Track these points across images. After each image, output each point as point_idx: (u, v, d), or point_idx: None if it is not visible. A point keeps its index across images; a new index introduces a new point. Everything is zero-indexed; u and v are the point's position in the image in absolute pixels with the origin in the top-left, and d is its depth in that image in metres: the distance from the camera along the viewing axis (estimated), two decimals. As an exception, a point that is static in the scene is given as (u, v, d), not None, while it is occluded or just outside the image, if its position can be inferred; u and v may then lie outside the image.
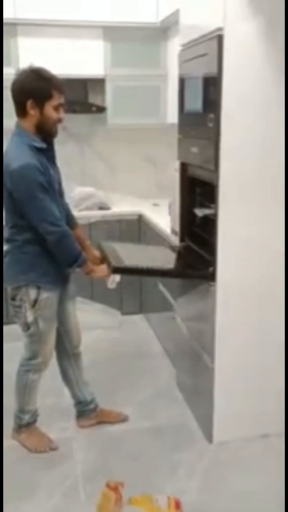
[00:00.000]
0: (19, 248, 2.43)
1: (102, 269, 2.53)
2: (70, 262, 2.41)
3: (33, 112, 2.31)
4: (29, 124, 2.34)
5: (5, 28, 3.82)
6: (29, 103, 2.29)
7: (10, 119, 2.48)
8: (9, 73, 3.85)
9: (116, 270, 2.53)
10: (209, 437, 2.68)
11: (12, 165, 2.25)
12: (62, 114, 2.38)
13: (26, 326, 2.50)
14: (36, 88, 2.29)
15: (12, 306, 2.53)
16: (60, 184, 2.53)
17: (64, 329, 2.67)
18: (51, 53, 3.89)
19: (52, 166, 2.42)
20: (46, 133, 2.38)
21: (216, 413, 2.63)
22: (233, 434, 2.66)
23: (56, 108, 2.34)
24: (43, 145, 2.36)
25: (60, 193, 2.53)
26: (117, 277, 2.60)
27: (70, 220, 2.63)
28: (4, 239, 2.48)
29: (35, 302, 2.45)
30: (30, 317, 2.47)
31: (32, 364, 2.58)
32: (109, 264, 2.54)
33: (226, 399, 2.62)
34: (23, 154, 2.28)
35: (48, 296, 2.48)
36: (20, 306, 2.48)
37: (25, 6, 3.80)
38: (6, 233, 2.47)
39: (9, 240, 2.46)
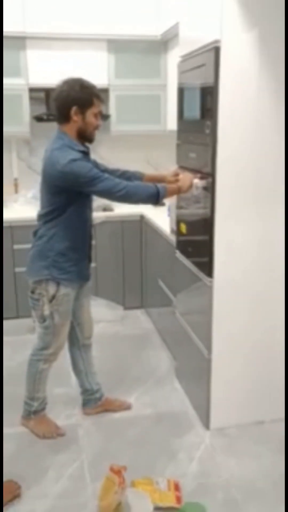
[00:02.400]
0: (46, 244, 2.44)
1: (185, 178, 2.53)
2: (154, 198, 2.42)
3: (76, 118, 2.36)
4: (71, 129, 2.39)
5: (14, 41, 3.82)
6: (73, 110, 2.34)
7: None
8: (19, 83, 3.92)
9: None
10: (206, 423, 2.67)
11: (61, 162, 2.28)
12: (100, 121, 2.44)
13: (42, 319, 2.50)
14: (80, 96, 2.35)
15: (30, 299, 2.53)
16: None
17: (78, 322, 2.68)
18: (58, 64, 3.89)
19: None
20: (86, 138, 2.44)
21: (213, 401, 2.63)
22: (229, 421, 2.66)
23: (96, 115, 2.40)
24: (84, 148, 2.41)
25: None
26: (199, 183, 2.53)
27: (132, 176, 2.70)
28: (35, 234, 2.51)
29: (53, 297, 2.45)
30: (47, 311, 2.47)
31: (43, 354, 2.58)
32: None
33: (222, 387, 2.62)
34: (69, 151, 2.32)
35: (66, 293, 2.48)
36: (38, 300, 2.48)
37: (33, 20, 3.80)
38: (37, 228, 2.50)
39: (39, 236, 2.48)
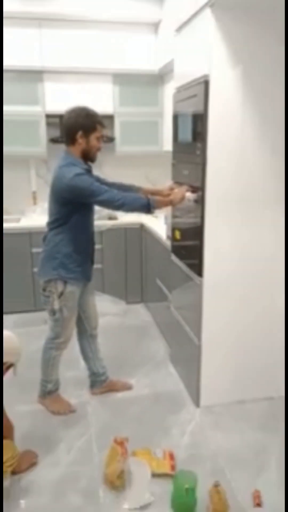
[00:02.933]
0: (53, 248, 2.44)
1: (178, 192, 2.52)
2: (145, 208, 2.41)
3: (81, 141, 2.37)
4: (76, 150, 2.39)
5: (33, 74, 3.84)
6: (79, 134, 2.35)
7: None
8: (38, 110, 3.93)
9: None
10: (196, 402, 2.67)
11: (67, 176, 2.30)
12: (101, 144, 2.44)
13: (53, 312, 2.50)
14: (85, 122, 2.36)
15: (42, 296, 2.52)
16: None
17: (85, 315, 2.67)
18: (70, 94, 3.89)
19: None
20: (89, 158, 2.45)
21: (203, 382, 2.63)
22: (216, 400, 2.66)
23: (98, 139, 2.41)
24: (87, 166, 2.42)
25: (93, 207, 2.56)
26: (191, 196, 2.51)
27: (128, 189, 2.67)
28: (44, 239, 2.50)
29: (61, 294, 2.45)
30: (56, 306, 2.47)
31: (55, 342, 2.58)
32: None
33: (210, 371, 2.62)
34: (74, 168, 2.33)
35: (72, 290, 2.48)
36: (49, 296, 2.48)
37: (49, 57, 3.81)
38: (46, 234, 2.49)
39: (47, 241, 2.48)
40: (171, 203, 2.53)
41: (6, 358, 1.94)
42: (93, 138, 2.38)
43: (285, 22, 2.21)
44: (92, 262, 2.61)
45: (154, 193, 2.70)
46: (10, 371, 2.00)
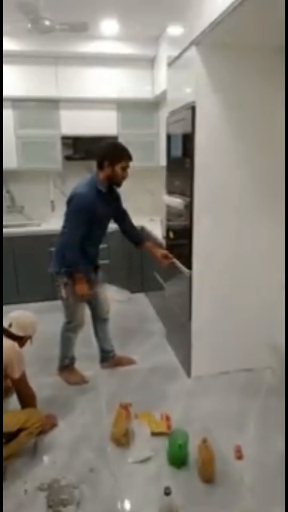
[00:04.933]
0: (59, 245, 2.43)
1: (82, 287, 2.37)
2: (68, 262, 2.34)
3: (107, 169, 2.32)
4: (103, 175, 2.34)
5: (51, 103, 3.83)
6: (106, 163, 2.30)
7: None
8: (55, 133, 3.92)
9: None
10: (188, 373, 2.68)
11: (76, 191, 2.29)
12: (126, 173, 2.37)
13: (62, 300, 2.49)
14: (113, 154, 2.31)
15: (56, 286, 2.49)
16: (107, 216, 2.48)
17: (96, 303, 2.64)
18: (81, 119, 3.89)
19: (105, 203, 2.38)
20: (112, 183, 2.39)
21: (193, 357, 2.63)
22: (205, 371, 2.66)
23: (123, 169, 2.34)
24: (103, 189, 2.36)
25: (106, 219, 2.49)
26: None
27: (139, 239, 2.65)
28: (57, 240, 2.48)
29: (66, 284, 2.42)
30: (63, 293, 2.44)
31: (68, 326, 2.57)
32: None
33: (199, 348, 2.62)
34: (86, 188, 2.30)
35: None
36: (58, 286, 2.46)
37: (64, 88, 3.80)
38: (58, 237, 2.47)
39: (57, 242, 2.46)
40: (76, 284, 2.36)
41: (25, 332, 2.00)
42: (118, 168, 2.31)
43: (285, 27, 2.09)
44: (95, 266, 2.56)
45: (151, 252, 2.67)
46: (28, 342, 2.05)
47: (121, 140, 4.11)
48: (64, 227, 2.36)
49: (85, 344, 2.95)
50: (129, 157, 2.36)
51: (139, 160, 4.27)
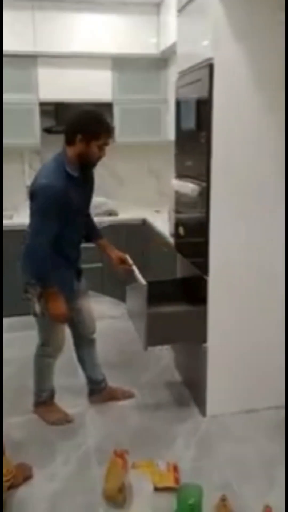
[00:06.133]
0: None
1: (56, 305, 2.35)
2: (39, 276, 2.32)
3: (80, 145, 2.28)
4: (73, 153, 2.31)
5: (26, 59, 3.86)
6: (78, 137, 2.26)
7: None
8: (30, 98, 3.95)
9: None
10: (202, 411, 2.68)
11: (40, 181, 2.26)
12: (103, 152, 2.34)
13: (35, 316, 2.47)
14: (88, 127, 2.27)
15: (26, 299, 2.46)
16: (86, 205, 2.50)
17: (78, 320, 2.64)
18: (66, 80, 3.92)
19: (79, 191, 2.38)
20: (85, 164, 2.36)
21: (209, 389, 2.63)
22: (224, 408, 2.66)
23: (100, 147, 2.32)
24: (74, 173, 2.33)
25: (83, 212, 2.50)
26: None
27: (92, 232, 2.65)
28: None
29: (40, 297, 2.38)
30: (37, 309, 2.42)
31: (44, 350, 2.58)
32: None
33: (218, 377, 2.62)
34: (52, 175, 2.27)
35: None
36: (30, 299, 2.43)
37: (44, 40, 3.83)
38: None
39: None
40: (49, 302, 2.34)
41: None
42: (93, 146, 2.28)
43: (285, 21, 2.23)
44: (78, 272, 2.57)
45: (106, 253, 2.68)
46: None
47: (118, 108, 4.14)
48: (30, 228, 2.32)
49: (68, 372, 2.96)
50: (109, 133, 2.35)
51: (141, 133, 4.36)
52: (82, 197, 2.44)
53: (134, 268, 2.62)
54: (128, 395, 2.86)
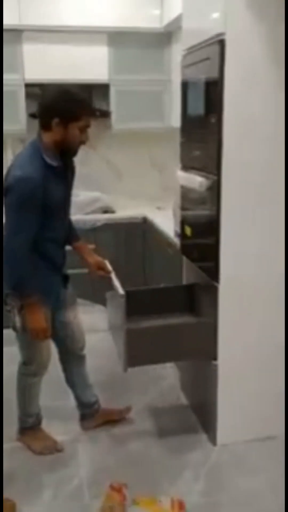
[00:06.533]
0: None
1: (36, 318, 2.32)
2: (13, 282, 2.30)
3: (57, 130, 2.25)
4: (50, 139, 2.29)
5: (10, 34, 3.84)
6: (54, 121, 2.23)
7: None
8: (15, 78, 3.94)
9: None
10: (212, 438, 2.67)
11: (15, 172, 2.22)
12: (86, 136, 2.33)
13: (16, 331, 2.44)
14: (65, 109, 2.24)
15: (6, 311, 2.43)
16: (66, 199, 2.48)
17: (65, 334, 2.63)
18: (55, 58, 3.92)
19: (60, 182, 2.36)
20: (65, 151, 2.34)
21: (220, 414, 2.62)
22: (237, 435, 2.65)
23: (81, 129, 2.30)
24: (53, 163, 2.30)
25: (66, 207, 2.49)
26: None
27: (69, 233, 2.60)
28: None
29: (21, 309, 2.35)
30: (18, 323, 2.39)
31: (27, 369, 2.56)
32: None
33: (230, 400, 2.61)
34: (30, 166, 2.24)
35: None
36: (10, 311, 2.40)
37: (29, 13, 3.83)
38: None
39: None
40: (27, 311, 2.32)
41: None
42: (73, 129, 2.26)
43: (285, 22, 2.25)
44: (65, 278, 2.57)
45: (83, 258, 2.65)
46: None
47: (115, 90, 4.14)
48: (5, 228, 2.27)
49: (57, 393, 2.95)
50: (91, 112, 2.34)
51: (141, 119, 4.36)
52: (64, 190, 2.41)
53: (113, 275, 2.60)
54: (124, 414, 2.86)
